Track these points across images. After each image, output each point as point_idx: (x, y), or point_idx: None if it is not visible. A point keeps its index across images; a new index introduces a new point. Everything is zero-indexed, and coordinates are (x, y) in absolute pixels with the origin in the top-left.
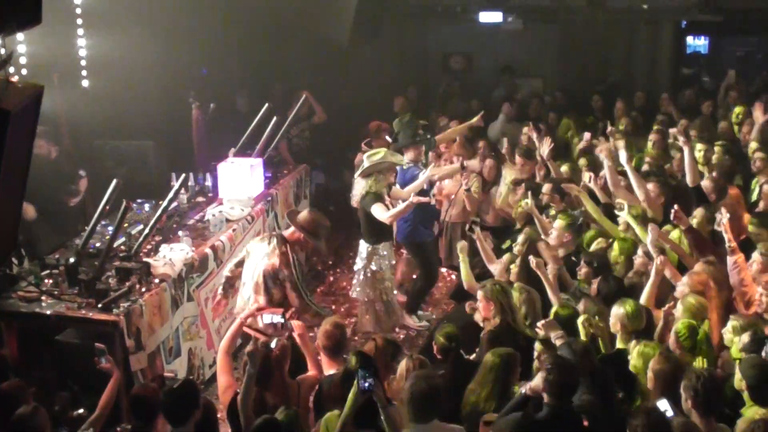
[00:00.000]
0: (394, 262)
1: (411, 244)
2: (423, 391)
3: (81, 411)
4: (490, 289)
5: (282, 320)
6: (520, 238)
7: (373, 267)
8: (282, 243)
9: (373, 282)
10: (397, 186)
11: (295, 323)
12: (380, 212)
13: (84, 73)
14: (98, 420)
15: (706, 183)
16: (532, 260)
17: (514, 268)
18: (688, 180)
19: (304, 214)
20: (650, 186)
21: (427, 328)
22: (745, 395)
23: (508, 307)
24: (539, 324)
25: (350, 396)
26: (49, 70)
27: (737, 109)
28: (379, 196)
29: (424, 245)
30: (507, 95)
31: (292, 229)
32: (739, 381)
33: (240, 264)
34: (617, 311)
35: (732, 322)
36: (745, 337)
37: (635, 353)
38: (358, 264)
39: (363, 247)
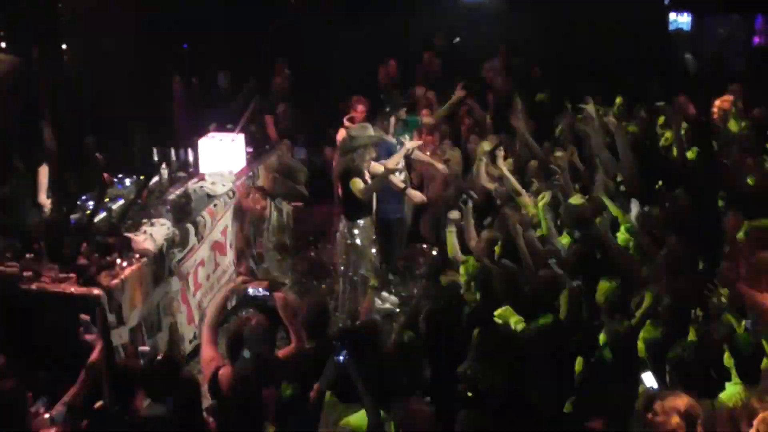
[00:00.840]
0: (374, 237)
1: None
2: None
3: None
4: (472, 266)
5: (266, 293)
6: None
7: (348, 241)
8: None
9: (347, 255)
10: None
11: (277, 294)
12: (358, 186)
13: (64, 46)
14: (79, 392)
15: None
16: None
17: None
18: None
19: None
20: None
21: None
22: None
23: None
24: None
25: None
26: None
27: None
28: (359, 172)
29: (388, 222)
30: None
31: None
32: (728, 358)
33: None
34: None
35: None
36: None
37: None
38: (338, 239)
39: (342, 223)
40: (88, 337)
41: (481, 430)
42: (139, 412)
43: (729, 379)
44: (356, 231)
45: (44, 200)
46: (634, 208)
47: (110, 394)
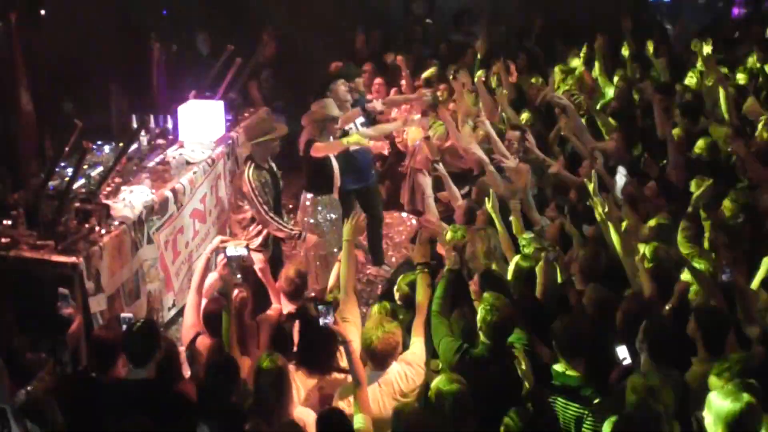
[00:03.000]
0: (335, 216)
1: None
2: (389, 344)
3: (42, 355)
4: (452, 236)
5: (246, 252)
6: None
7: (311, 221)
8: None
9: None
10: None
11: (257, 257)
12: (317, 148)
13: (42, 12)
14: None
15: None
16: (488, 202)
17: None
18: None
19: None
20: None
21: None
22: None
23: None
24: None
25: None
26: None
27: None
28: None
29: (345, 194)
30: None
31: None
32: (693, 330)
33: None
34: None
35: None
36: None
37: None
38: (299, 216)
39: (304, 197)
40: (67, 311)
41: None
42: (120, 377)
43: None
44: (319, 208)
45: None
46: (621, 176)
47: (89, 361)
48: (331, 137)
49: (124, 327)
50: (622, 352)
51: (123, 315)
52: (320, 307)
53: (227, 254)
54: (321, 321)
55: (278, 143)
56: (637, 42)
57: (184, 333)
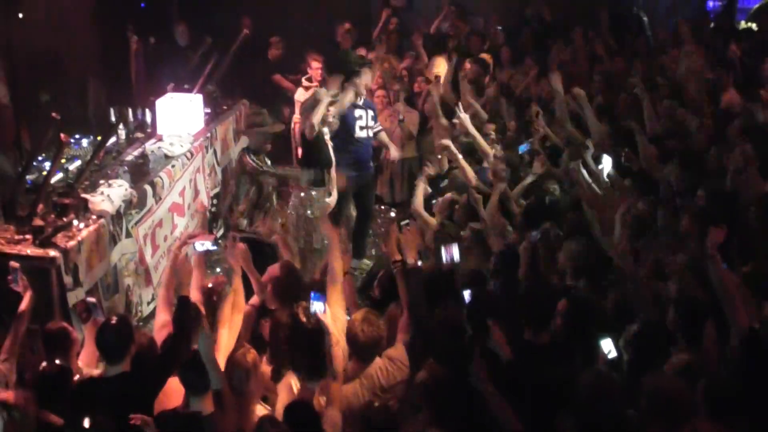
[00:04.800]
0: (328, 200)
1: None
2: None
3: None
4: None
5: (214, 248)
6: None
7: (300, 212)
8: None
9: (297, 226)
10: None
11: (240, 245)
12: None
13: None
14: (13, 344)
15: None
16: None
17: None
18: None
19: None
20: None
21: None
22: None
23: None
24: None
25: None
26: None
27: None
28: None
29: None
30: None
31: None
32: (673, 322)
33: None
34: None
35: None
36: None
37: None
38: (291, 208)
39: (297, 193)
40: (17, 287)
41: None
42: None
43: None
44: (310, 202)
45: None
46: (607, 164)
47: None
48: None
49: (92, 312)
50: (607, 344)
51: (89, 300)
52: (312, 295)
53: (195, 249)
54: (311, 309)
55: (269, 139)
56: (614, 34)
57: (156, 333)
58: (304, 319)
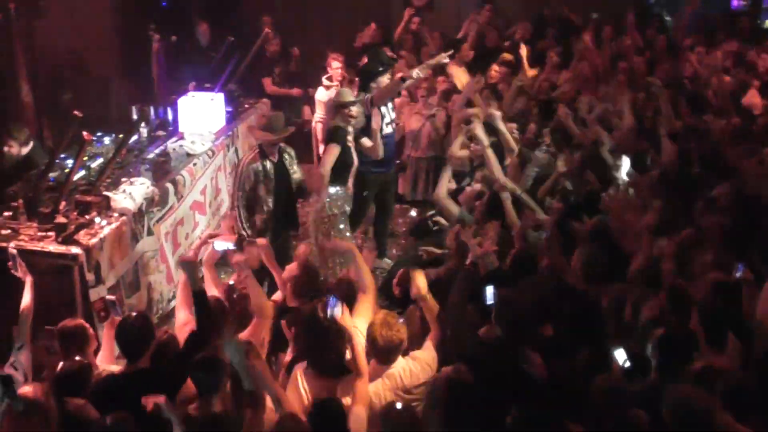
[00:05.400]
0: (348, 209)
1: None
2: (392, 341)
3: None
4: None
5: (234, 248)
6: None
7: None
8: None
9: (316, 221)
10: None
11: (260, 241)
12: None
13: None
14: (25, 330)
15: None
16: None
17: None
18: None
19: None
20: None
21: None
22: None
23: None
24: None
25: None
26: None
27: None
28: (343, 135)
29: (365, 178)
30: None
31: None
32: (695, 324)
33: None
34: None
35: None
36: None
37: None
38: (313, 198)
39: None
40: (17, 273)
41: None
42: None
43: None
44: (328, 200)
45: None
46: (625, 164)
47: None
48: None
49: (111, 310)
50: (620, 354)
51: (108, 298)
52: (330, 300)
53: (216, 248)
54: (329, 311)
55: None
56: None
57: (178, 331)
58: (322, 315)
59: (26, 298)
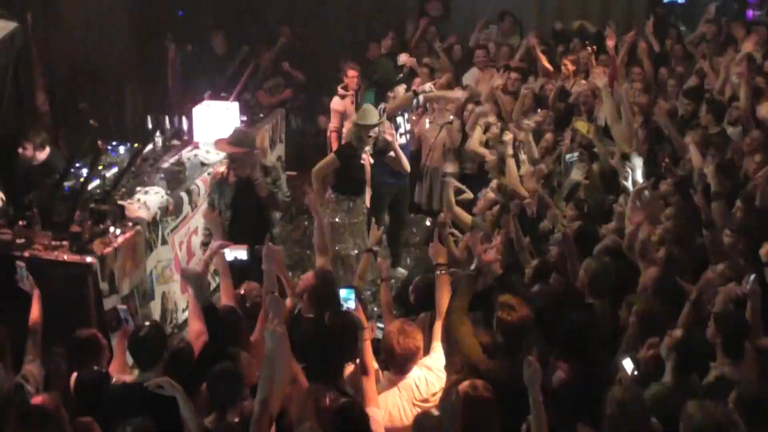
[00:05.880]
0: (360, 219)
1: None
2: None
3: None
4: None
5: (245, 257)
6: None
7: (336, 219)
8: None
9: (331, 233)
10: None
11: (273, 247)
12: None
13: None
14: (35, 344)
15: None
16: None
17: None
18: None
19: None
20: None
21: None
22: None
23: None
24: None
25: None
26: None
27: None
28: (344, 153)
29: (379, 189)
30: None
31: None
32: (713, 334)
33: None
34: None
35: None
36: None
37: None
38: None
39: (329, 194)
40: (23, 287)
41: None
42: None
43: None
44: (338, 208)
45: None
46: (638, 164)
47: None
48: (365, 144)
49: (123, 320)
50: (628, 364)
51: (120, 307)
52: (343, 291)
53: (226, 258)
54: (344, 306)
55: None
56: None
57: (192, 342)
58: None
59: (34, 312)
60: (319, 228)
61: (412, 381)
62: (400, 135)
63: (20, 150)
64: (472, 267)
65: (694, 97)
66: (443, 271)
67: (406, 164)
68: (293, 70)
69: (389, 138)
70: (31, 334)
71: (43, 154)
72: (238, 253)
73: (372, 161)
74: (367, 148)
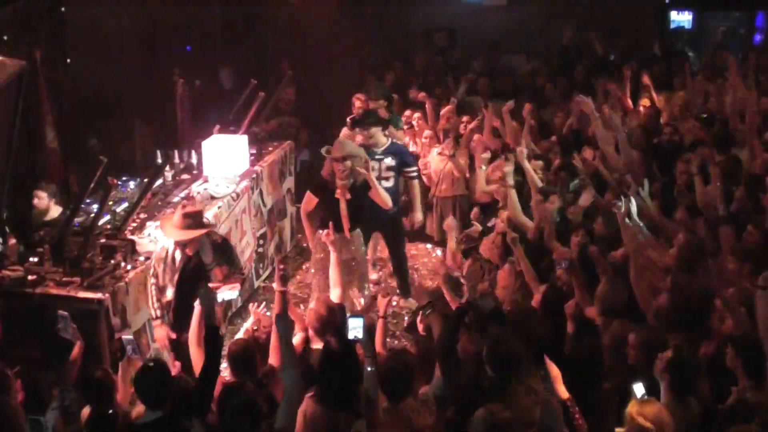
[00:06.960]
0: (364, 248)
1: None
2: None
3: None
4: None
5: (235, 297)
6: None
7: (319, 256)
8: None
9: (348, 269)
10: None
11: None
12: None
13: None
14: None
15: None
16: (509, 234)
17: (494, 248)
18: None
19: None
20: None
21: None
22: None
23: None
24: None
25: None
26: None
27: None
28: (318, 187)
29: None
30: (485, 70)
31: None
32: (732, 359)
33: None
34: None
35: None
36: None
37: None
38: (312, 248)
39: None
40: (66, 335)
41: None
42: (133, 420)
43: (735, 383)
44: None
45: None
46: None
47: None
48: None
49: (128, 350)
50: (639, 389)
51: (125, 337)
52: (351, 319)
53: (218, 299)
54: (351, 335)
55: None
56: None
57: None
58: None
59: (73, 357)
60: (336, 264)
61: (406, 414)
62: (381, 180)
63: (35, 201)
64: (464, 300)
65: (704, 122)
66: (429, 312)
67: (387, 201)
68: (290, 72)
69: (363, 172)
70: (62, 379)
71: (55, 208)
72: (227, 293)
73: (349, 196)
74: (343, 183)
